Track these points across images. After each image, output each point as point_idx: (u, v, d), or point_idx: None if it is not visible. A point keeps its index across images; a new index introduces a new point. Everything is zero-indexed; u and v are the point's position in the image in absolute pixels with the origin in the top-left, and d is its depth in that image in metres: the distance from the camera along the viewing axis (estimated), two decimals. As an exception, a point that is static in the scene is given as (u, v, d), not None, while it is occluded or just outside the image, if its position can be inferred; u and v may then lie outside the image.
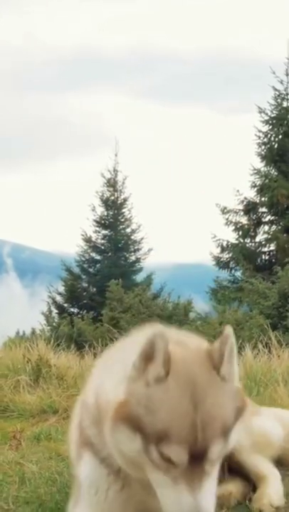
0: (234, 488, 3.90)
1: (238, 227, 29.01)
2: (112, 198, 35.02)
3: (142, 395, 2.58)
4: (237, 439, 3.28)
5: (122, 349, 3.05)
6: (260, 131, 28.73)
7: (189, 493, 2.50)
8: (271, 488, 3.79)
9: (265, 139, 28.72)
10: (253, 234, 29.10)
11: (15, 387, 6.45)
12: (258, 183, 28.50)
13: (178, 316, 21.79)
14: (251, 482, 3.96)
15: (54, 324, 27.54)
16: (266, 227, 29.16)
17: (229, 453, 3.75)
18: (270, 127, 28.63)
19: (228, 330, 2.68)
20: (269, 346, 7.46)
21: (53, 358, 7.55)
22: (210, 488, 2.56)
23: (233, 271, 29.43)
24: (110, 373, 2.88)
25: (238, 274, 29.09)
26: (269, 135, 28.68)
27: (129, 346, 2.86)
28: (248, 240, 29.20)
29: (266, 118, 28.54)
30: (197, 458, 2.51)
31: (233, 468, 3.93)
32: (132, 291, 22.87)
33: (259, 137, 28.78)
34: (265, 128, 28.70)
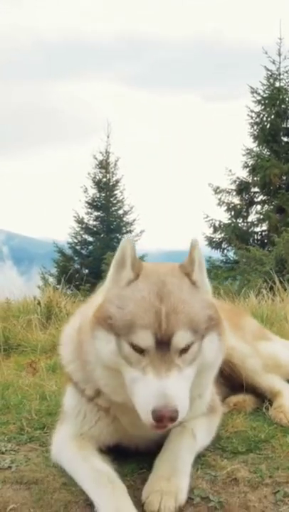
0: (248, 398, 4.06)
1: (231, 207, 29.09)
2: (104, 179, 34.98)
3: (115, 297, 2.81)
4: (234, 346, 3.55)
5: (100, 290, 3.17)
6: (252, 111, 28.81)
7: (156, 379, 2.65)
8: (287, 400, 3.94)
9: (258, 119, 28.79)
10: (245, 214, 29.20)
11: (27, 325, 6.56)
12: (251, 163, 28.58)
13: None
14: (267, 399, 4.13)
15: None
16: (258, 207, 29.31)
17: (244, 376, 3.95)
18: (263, 107, 28.69)
19: (194, 239, 2.96)
20: (274, 291, 7.59)
21: (63, 300, 7.68)
22: (178, 380, 2.69)
23: (225, 251, 29.54)
24: (91, 304, 3.08)
25: (231, 254, 29.21)
26: (261, 115, 28.74)
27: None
28: (240, 220, 29.30)
29: (258, 98, 28.60)
30: (163, 344, 2.69)
31: (249, 390, 4.10)
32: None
33: (251, 117, 28.86)
34: (258, 108, 28.79)
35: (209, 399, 3.37)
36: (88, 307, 3.10)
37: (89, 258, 32.96)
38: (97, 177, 35.09)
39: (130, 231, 34.77)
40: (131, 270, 2.85)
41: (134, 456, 3.26)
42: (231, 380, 4.10)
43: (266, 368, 4.09)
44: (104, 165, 35.10)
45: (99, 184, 35.02)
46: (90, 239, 34.47)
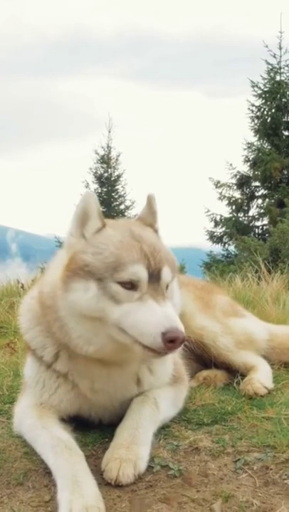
0: (220, 373, 4.07)
1: (232, 202, 28.99)
2: (106, 174, 34.96)
3: (86, 246, 2.87)
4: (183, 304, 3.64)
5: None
6: (253, 105, 28.66)
7: (158, 305, 2.73)
8: (261, 373, 3.94)
9: (258, 113, 28.64)
10: (246, 208, 29.10)
11: (10, 308, 6.56)
12: (251, 157, 28.47)
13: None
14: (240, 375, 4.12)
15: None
16: (259, 201, 29.18)
17: (216, 354, 3.97)
18: (263, 101, 28.54)
19: (151, 193, 3.13)
20: (259, 275, 7.60)
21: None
22: (172, 307, 2.80)
23: (226, 245, 29.47)
24: (48, 272, 3.16)
25: (232, 248, 29.14)
26: (262, 109, 28.60)
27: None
28: (241, 214, 29.22)
29: (259, 92, 28.49)
30: (153, 278, 2.79)
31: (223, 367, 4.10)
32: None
33: (252, 111, 28.72)
34: (258, 102, 28.64)
35: (172, 369, 3.37)
36: (46, 275, 3.13)
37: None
38: (99, 172, 35.08)
39: (132, 226, 34.82)
40: (98, 219, 2.92)
41: (97, 428, 3.27)
42: (203, 358, 4.11)
43: (239, 345, 4.09)
44: (105, 160, 35.08)
45: (100, 179, 35.00)
46: (92, 234, 34.48)
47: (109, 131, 35.38)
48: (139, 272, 2.77)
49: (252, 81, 28.59)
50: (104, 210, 34.48)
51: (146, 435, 3.00)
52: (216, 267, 26.79)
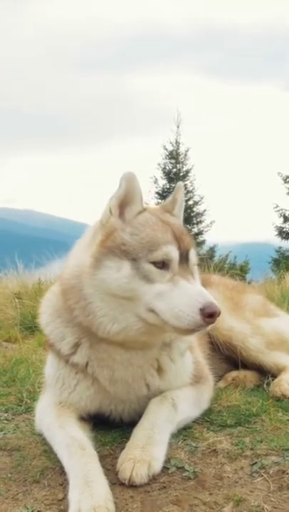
0: (250, 373, 4.02)
1: (301, 196, 28.60)
2: (174, 170, 34.96)
3: (126, 226, 2.98)
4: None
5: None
6: None
7: (190, 284, 2.87)
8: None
9: None
10: (316, 203, 28.64)
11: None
12: None
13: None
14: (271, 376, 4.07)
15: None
16: None
17: (246, 355, 3.96)
18: None
19: (180, 183, 3.36)
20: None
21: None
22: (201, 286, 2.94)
23: (295, 241, 29.07)
24: (74, 255, 3.21)
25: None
26: None
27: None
28: (311, 209, 28.77)
29: None
30: (183, 259, 2.94)
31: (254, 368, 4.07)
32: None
33: None
34: None
35: (192, 368, 3.36)
36: (69, 260, 3.20)
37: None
38: (167, 167, 35.13)
39: (200, 221, 34.67)
40: (140, 203, 3.05)
41: (118, 427, 3.28)
42: (233, 359, 4.07)
43: (270, 346, 4.03)
44: (174, 155, 35.08)
45: (169, 175, 35.05)
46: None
47: (178, 127, 35.40)
48: (172, 252, 2.90)
49: None
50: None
51: (162, 436, 2.99)
52: (285, 263, 26.47)
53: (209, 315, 2.73)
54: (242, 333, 4.01)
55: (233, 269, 16.81)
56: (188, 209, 34.70)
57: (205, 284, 4.27)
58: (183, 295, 2.80)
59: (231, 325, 4.00)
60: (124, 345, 3.03)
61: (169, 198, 3.31)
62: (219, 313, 2.76)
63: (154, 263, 2.86)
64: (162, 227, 2.98)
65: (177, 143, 35.20)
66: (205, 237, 34.59)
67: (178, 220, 3.22)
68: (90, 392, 3.20)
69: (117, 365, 3.09)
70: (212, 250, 31.69)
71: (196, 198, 34.84)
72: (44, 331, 3.33)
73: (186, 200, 34.82)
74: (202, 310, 2.73)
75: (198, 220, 34.54)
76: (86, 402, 3.22)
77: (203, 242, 34.02)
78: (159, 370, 3.23)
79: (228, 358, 4.07)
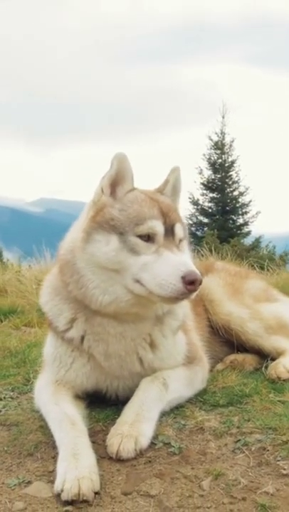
0: (250, 356, 4.10)
1: None
2: (220, 160, 34.84)
3: (115, 203, 3.13)
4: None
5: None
6: None
7: (174, 254, 3.00)
8: (288, 358, 3.93)
9: None
10: None
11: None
12: None
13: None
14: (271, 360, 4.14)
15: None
16: None
17: (245, 340, 4.05)
18: None
19: (176, 166, 3.41)
20: None
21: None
22: (188, 257, 3.10)
23: None
24: (70, 233, 3.33)
25: None
26: None
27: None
28: None
29: None
30: (168, 232, 3.08)
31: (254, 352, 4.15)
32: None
33: None
34: None
35: (185, 349, 3.47)
36: (66, 237, 3.33)
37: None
38: (213, 158, 35.02)
39: (246, 212, 34.48)
40: (131, 182, 3.20)
41: (114, 405, 3.42)
42: (233, 343, 4.16)
43: (269, 330, 4.10)
44: (219, 146, 34.96)
45: (214, 165, 34.94)
46: (206, 220, 34.49)
47: (223, 117, 35.26)
48: (156, 226, 3.04)
49: None
50: (217, 196, 34.46)
51: (151, 413, 3.11)
52: None
53: (190, 282, 2.84)
54: (240, 318, 4.09)
55: (272, 258, 16.79)
56: (234, 200, 34.57)
57: (208, 270, 4.39)
58: (166, 265, 2.93)
59: (230, 310, 4.09)
60: (117, 317, 3.17)
61: (164, 181, 3.42)
62: (200, 281, 2.87)
63: (140, 236, 3.00)
64: (150, 203, 3.12)
65: (222, 133, 35.11)
66: (250, 227, 34.42)
67: (168, 199, 3.32)
68: (86, 369, 3.34)
69: (111, 339, 3.22)
70: (257, 241, 31.46)
71: (242, 189, 34.69)
72: (43, 309, 3.48)
73: (232, 191, 34.69)
74: (183, 278, 2.84)
75: (244, 210, 34.37)
76: (82, 379, 3.36)
77: (248, 233, 33.80)
78: (152, 344, 3.34)
79: (229, 341, 4.16)
